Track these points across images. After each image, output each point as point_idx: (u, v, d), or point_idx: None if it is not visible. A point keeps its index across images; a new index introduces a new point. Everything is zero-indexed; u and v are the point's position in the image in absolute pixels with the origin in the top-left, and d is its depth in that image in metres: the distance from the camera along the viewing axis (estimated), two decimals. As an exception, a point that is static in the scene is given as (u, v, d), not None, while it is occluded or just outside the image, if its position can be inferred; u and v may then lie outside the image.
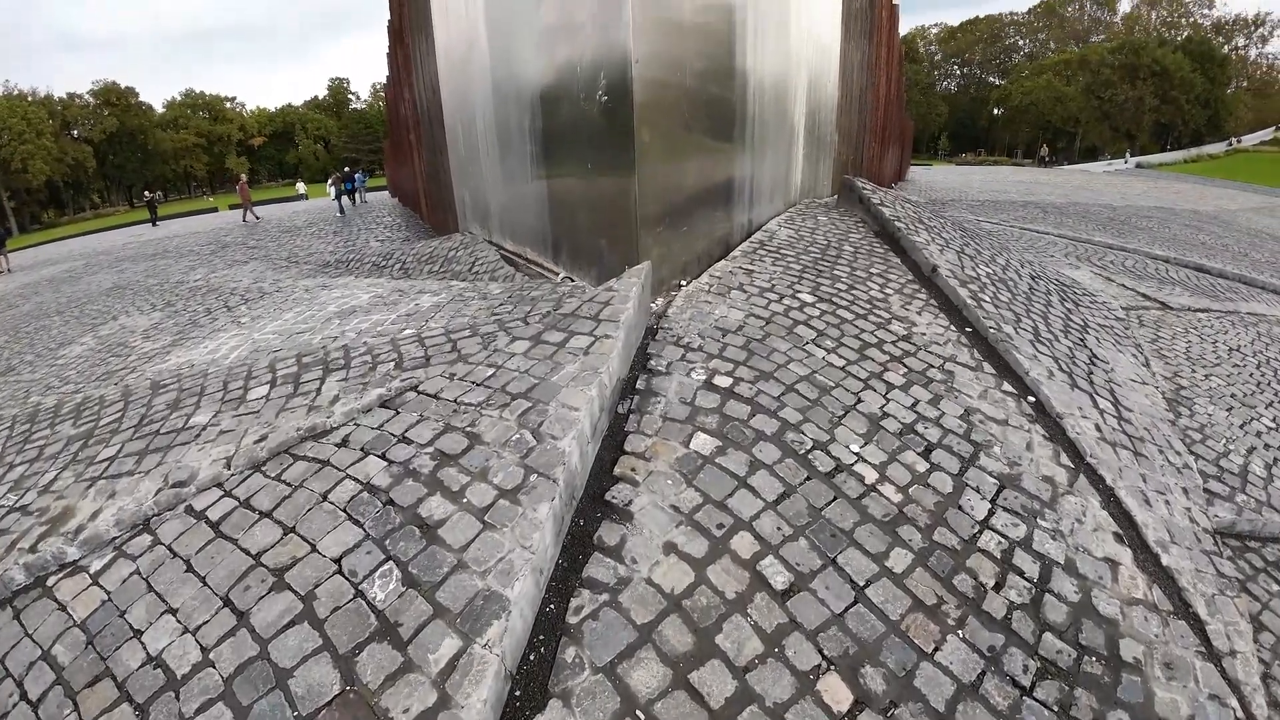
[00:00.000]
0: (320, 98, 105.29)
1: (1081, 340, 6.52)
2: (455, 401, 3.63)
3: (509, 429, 3.29)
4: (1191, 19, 79.78)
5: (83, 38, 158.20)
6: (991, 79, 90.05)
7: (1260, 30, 75.59)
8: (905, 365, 4.90)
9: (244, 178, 27.99)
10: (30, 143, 68.41)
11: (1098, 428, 4.92)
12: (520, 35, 7.28)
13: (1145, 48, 66.37)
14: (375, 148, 76.38)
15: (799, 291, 5.74)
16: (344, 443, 3.59)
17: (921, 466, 3.86)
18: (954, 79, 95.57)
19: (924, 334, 5.47)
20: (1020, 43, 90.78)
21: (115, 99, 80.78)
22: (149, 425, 4.49)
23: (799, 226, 7.60)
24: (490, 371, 3.84)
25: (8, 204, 70.14)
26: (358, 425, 3.68)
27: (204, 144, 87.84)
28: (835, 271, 6.36)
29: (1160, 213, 20.55)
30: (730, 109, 6.88)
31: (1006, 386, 5.00)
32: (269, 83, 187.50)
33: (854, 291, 5.99)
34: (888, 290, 6.18)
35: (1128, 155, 56.80)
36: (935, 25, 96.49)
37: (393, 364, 4.29)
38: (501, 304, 5.30)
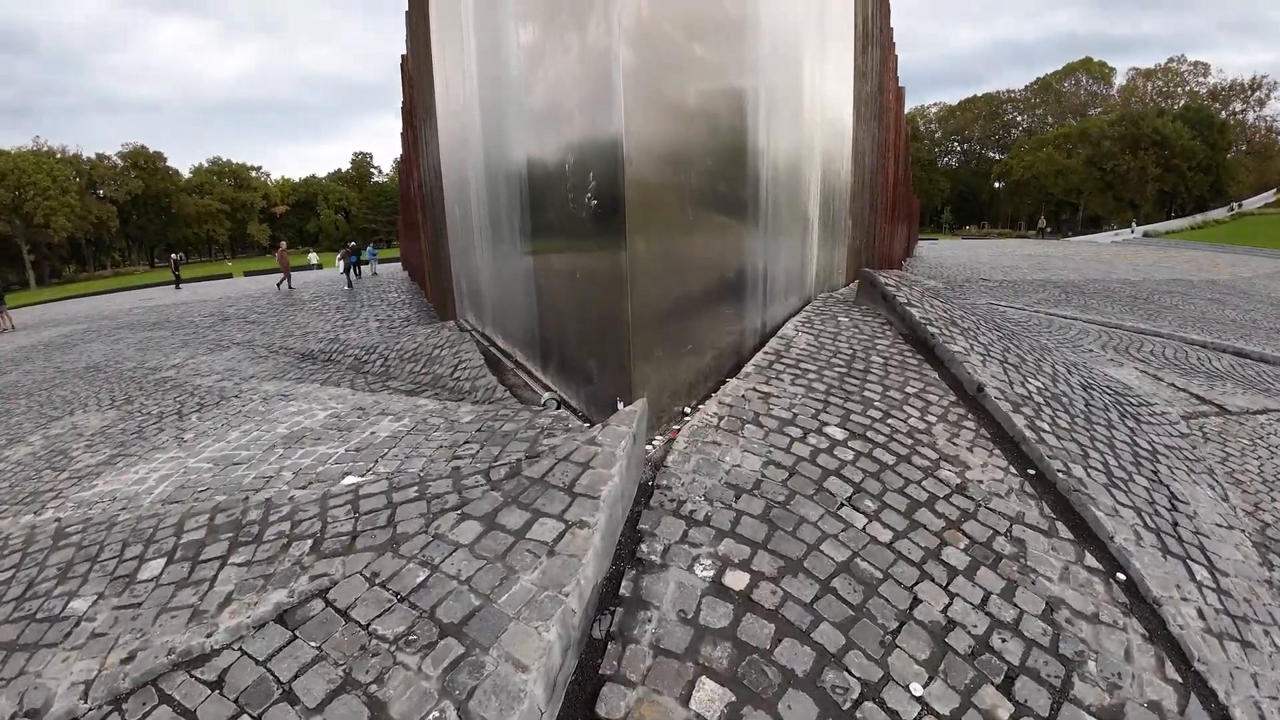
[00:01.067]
0: (344, 170, 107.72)
1: (1155, 473, 5.46)
2: (367, 630, 2.58)
3: (425, 698, 2.23)
4: (1188, 88, 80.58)
5: (120, 101, 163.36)
6: (991, 154, 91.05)
7: (1257, 94, 75.78)
8: (966, 533, 3.84)
9: (284, 245, 27.47)
10: (54, 199, 69.16)
11: (1200, 613, 3.84)
12: (510, 123, 6.52)
13: (1145, 118, 66.73)
14: (394, 219, 77.81)
15: (826, 424, 4.73)
16: (219, 682, 2.55)
17: (1004, 711, 2.77)
18: (954, 155, 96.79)
19: (981, 481, 4.42)
20: (1018, 118, 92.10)
21: (143, 162, 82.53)
22: (31, 600, 3.63)
23: (818, 331, 6.65)
24: (422, 576, 2.80)
25: (27, 257, 70.60)
26: (242, 652, 2.66)
27: (227, 210, 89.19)
28: (866, 392, 5.35)
29: (1180, 286, 19.85)
30: (741, 203, 6.02)
31: (1090, 560, 3.91)
32: (295, 154, 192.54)
33: (890, 420, 4.97)
34: (929, 416, 5.16)
35: (1134, 225, 56.27)
36: (935, 104, 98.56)
37: (310, 542, 3.27)
38: (467, 440, 4.32)
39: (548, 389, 6.16)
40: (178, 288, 34.37)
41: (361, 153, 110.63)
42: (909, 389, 5.56)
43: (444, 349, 7.66)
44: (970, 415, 5.34)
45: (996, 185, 76.99)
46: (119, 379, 10.34)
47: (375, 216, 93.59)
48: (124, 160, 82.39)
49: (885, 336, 6.73)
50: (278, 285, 24.42)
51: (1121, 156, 66.33)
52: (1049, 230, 53.77)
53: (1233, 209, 62.25)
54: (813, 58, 8.28)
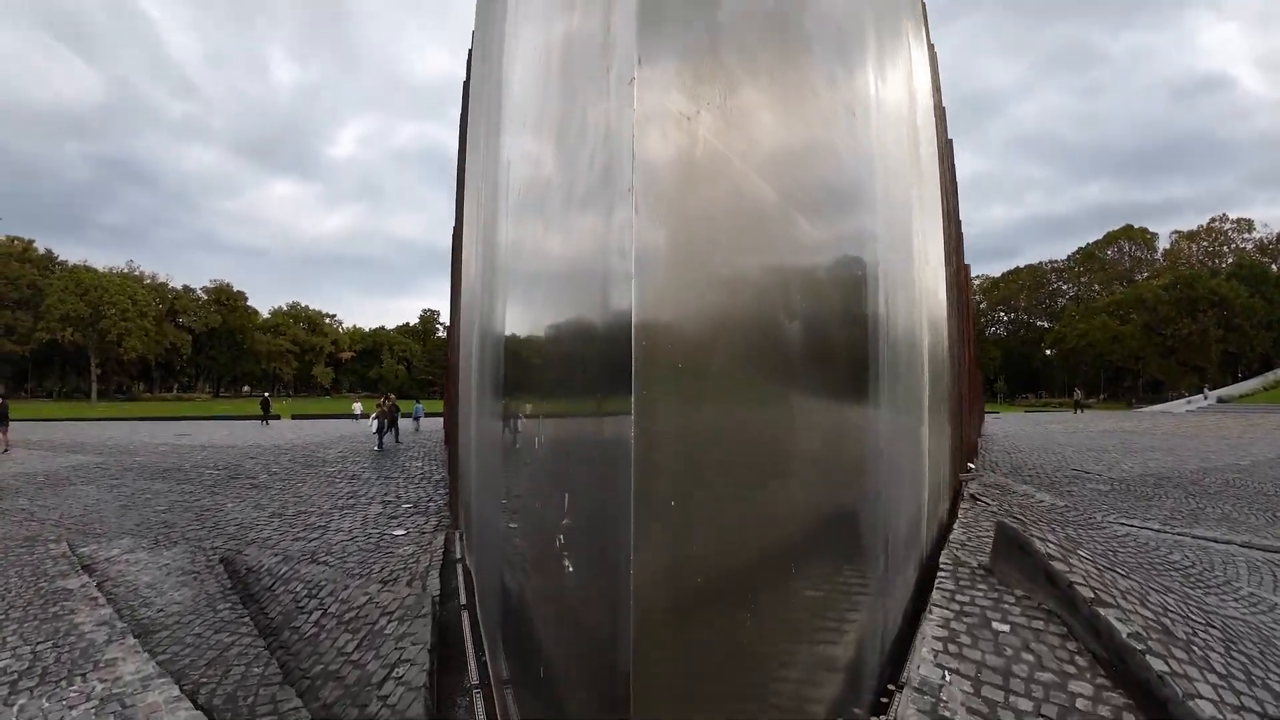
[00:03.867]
0: (411, 324, 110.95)
1: None
2: None
3: None
4: (1234, 245, 78.14)
5: (222, 242, 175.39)
6: (1040, 322, 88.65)
7: (1306, 244, 72.53)
8: None
9: (393, 398, 25.39)
10: (131, 320, 71.40)
11: None
12: (496, 310, 4.44)
13: (1199, 279, 64.17)
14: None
15: None
16: None
17: None
18: (1001, 324, 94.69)
19: None
20: (1064, 287, 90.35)
21: (225, 299, 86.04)
22: None
23: (975, 665, 3.96)
24: None
25: (94, 370, 72.20)
26: None
27: (296, 351, 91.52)
28: None
29: (1296, 471, 17.14)
30: (849, 422, 3.61)
31: None
32: (370, 305, 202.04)
33: None
34: None
35: (1205, 390, 52.15)
36: (978, 277, 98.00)
37: None
38: None
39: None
40: (264, 424, 34.42)
41: (430, 309, 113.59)
42: None
43: (393, 620, 5.17)
44: None
45: (1049, 353, 73.96)
46: (32, 574, 8.17)
47: (434, 370, 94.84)
48: (207, 294, 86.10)
49: (1079, 672, 3.98)
50: (382, 440, 22.51)
51: (1181, 320, 63.27)
52: (1081, 404, 50.15)
53: (1292, 365, 58.45)
54: (919, 233, 6.28)
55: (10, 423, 23.21)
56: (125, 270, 78.99)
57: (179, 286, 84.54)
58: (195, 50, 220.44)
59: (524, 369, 3.72)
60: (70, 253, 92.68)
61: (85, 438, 26.66)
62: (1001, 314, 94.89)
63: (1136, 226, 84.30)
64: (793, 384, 2.90)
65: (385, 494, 13.23)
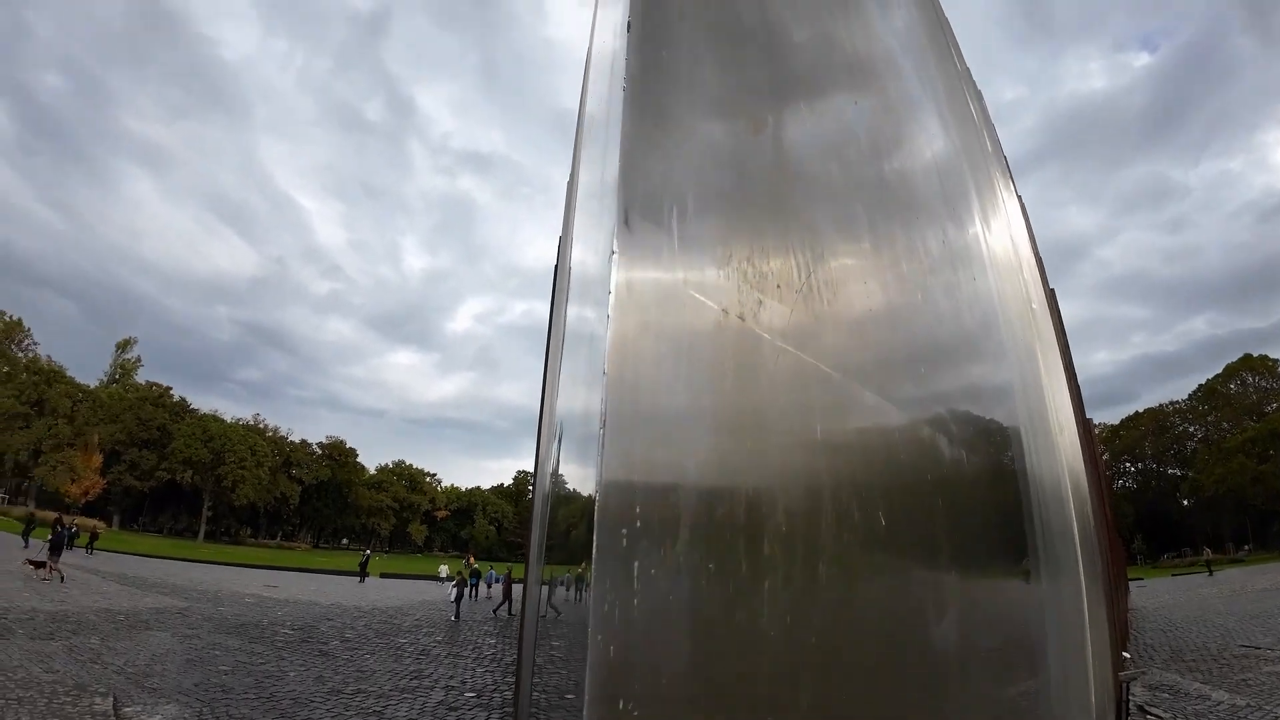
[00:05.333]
0: (505, 485, 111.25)
1: None
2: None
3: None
4: None
5: (345, 402, 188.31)
6: (1172, 470, 79.93)
7: None
8: None
9: (510, 573, 23.90)
10: (248, 469, 75.36)
11: None
12: (544, 479, 3.91)
13: None
14: (549, 540, 77.91)
15: None
16: None
17: None
18: (1129, 475, 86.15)
19: None
20: (1190, 429, 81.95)
21: (337, 455, 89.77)
22: None
23: None
24: None
25: (206, 512, 75.56)
26: None
27: (396, 508, 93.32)
28: None
29: None
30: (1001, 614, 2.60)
31: None
32: (469, 464, 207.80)
33: None
34: None
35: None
36: (1096, 426, 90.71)
37: None
38: None
39: None
40: (361, 581, 36.09)
41: (524, 470, 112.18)
42: None
43: None
44: None
45: (1186, 504, 65.66)
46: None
47: (525, 532, 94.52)
48: (321, 449, 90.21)
49: None
50: (494, 611, 21.75)
51: (1329, 453, 55.46)
52: (1211, 563, 43.38)
53: None
54: (1047, 385, 5.40)
55: (96, 551, 23.80)
56: (250, 422, 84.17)
57: (297, 440, 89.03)
58: (342, 238, 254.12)
59: (553, 536, 3.22)
60: (203, 402, 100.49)
61: (179, 579, 27.33)
62: (1128, 464, 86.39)
63: (1256, 355, 77.05)
64: (908, 557, 2.06)
65: (451, 677, 12.31)
